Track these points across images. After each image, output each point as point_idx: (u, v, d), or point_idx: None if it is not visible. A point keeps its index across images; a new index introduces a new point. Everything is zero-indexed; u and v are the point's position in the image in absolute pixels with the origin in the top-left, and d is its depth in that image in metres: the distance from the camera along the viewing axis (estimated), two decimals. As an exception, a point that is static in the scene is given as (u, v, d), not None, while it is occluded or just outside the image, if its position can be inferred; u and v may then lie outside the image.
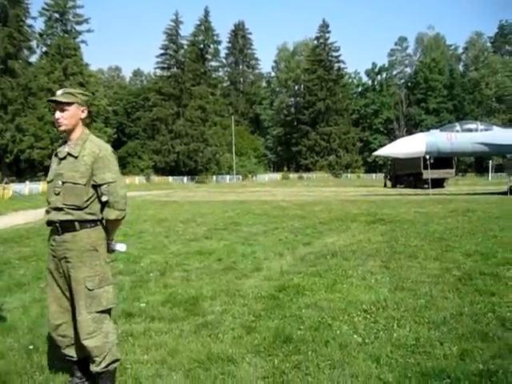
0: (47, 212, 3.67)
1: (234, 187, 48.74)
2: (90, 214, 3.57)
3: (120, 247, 3.84)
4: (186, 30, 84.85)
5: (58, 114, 3.61)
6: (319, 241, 10.59)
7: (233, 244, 10.34)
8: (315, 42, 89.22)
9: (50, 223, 3.65)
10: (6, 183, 31.88)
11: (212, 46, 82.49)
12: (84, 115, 3.68)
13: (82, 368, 3.79)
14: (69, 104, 3.60)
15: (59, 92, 3.66)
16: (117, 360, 3.66)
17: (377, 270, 7.51)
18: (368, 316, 5.20)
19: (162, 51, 74.31)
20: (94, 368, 3.59)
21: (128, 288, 6.67)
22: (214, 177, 69.42)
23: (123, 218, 3.66)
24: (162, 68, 75.20)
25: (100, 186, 3.54)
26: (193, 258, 8.80)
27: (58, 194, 3.57)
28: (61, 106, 3.60)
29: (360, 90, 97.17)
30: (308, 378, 3.82)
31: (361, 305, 5.57)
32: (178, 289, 6.52)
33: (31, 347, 4.52)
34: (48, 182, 3.72)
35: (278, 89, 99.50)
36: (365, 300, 5.77)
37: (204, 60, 78.71)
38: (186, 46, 74.88)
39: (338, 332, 4.74)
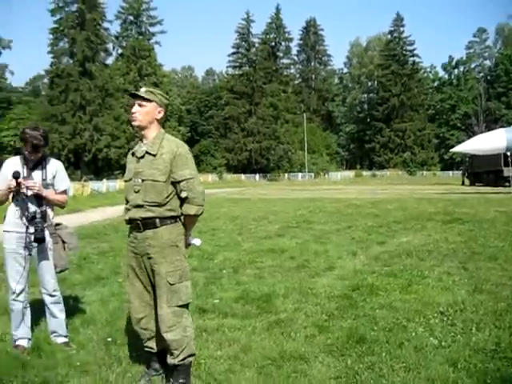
0: (127, 210, 3.79)
1: (306, 185, 48.58)
2: (170, 210, 3.67)
3: (196, 241, 3.94)
4: (258, 29, 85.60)
5: (135, 109, 3.74)
6: (393, 240, 10.38)
7: (305, 242, 10.30)
8: (389, 36, 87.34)
9: (130, 221, 3.77)
10: (85, 181, 33.15)
11: (283, 43, 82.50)
12: (160, 116, 3.77)
13: (159, 360, 3.90)
14: (148, 101, 3.72)
15: (142, 89, 3.80)
16: (193, 354, 3.75)
17: (454, 271, 7.29)
18: (445, 318, 5.06)
19: (234, 50, 75.04)
20: (171, 360, 3.69)
21: (202, 284, 6.79)
22: (286, 174, 69.38)
23: (202, 213, 3.75)
24: (234, 67, 75.90)
25: (179, 182, 3.63)
26: (265, 256, 8.84)
27: (137, 192, 3.67)
28: (140, 101, 3.72)
29: (436, 84, 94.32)
30: (382, 379, 3.76)
31: (437, 306, 5.43)
32: (250, 286, 6.58)
33: (109, 339, 4.67)
34: (126, 181, 3.83)
35: (350, 85, 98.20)
36: (441, 302, 5.61)
37: (275, 58, 78.85)
38: (257, 45, 75.24)
39: (414, 334, 4.64)
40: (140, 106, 3.72)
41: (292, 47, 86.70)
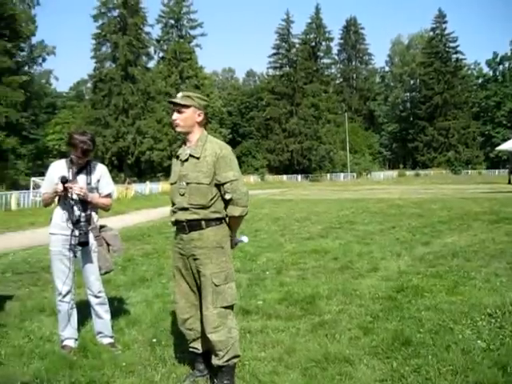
0: (173, 212, 3.83)
1: (348, 185, 48.19)
2: (215, 212, 3.69)
3: (244, 238, 4.00)
4: (298, 29, 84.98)
5: (175, 116, 3.78)
6: (438, 240, 10.20)
7: (348, 243, 10.22)
8: (431, 33, 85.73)
9: (176, 223, 3.82)
10: (129, 183, 33.59)
11: (324, 43, 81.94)
12: (200, 119, 3.78)
13: (204, 361, 3.91)
14: (186, 106, 3.74)
15: (179, 95, 3.82)
16: (237, 356, 3.75)
17: (502, 272, 7.10)
18: (493, 320, 4.93)
19: (274, 51, 74.90)
20: (215, 361, 3.70)
21: (245, 285, 6.80)
22: (328, 175, 68.88)
23: (246, 214, 3.76)
24: (275, 67, 75.80)
25: (223, 184, 3.64)
26: (308, 257, 8.80)
27: (183, 195, 3.72)
28: (178, 107, 3.75)
29: (480, 81, 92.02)
30: (428, 382, 3.69)
31: (485, 308, 5.29)
32: (294, 287, 6.55)
33: (154, 340, 4.71)
34: (171, 184, 3.88)
35: (392, 84, 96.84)
36: (489, 303, 5.46)
37: (316, 58, 78.43)
38: (297, 45, 74.96)
39: (460, 336, 4.53)
40: (179, 112, 3.75)
41: (332, 47, 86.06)
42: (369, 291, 6.24)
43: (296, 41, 75.29)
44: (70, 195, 4.43)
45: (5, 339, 4.86)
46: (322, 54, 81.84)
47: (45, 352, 4.49)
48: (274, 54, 75.17)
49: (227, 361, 3.67)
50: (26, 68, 48.71)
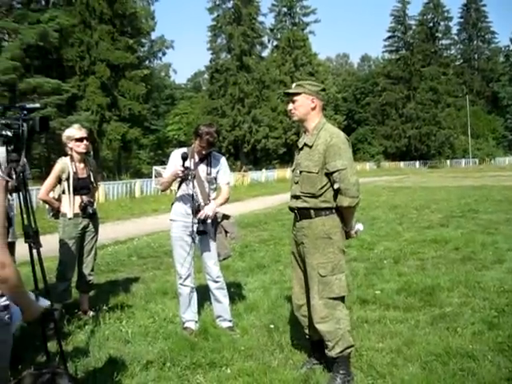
0: (290, 199, 3.90)
1: (469, 172, 45.98)
2: (325, 201, 3.66)
3: (359, 226, 3.94)
4: (414, 10, 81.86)
5: (289, 106, 3.82)
6: None
7: (471, 232, 9.77)
8: None
9: (291, 210, 3.87)
10: (245, 171, 34.26)
11: (442, 23, 78.25)
12: (314, 105, 3.76)
13: (320, 350, 3.91)
14: (297, 94, 3.76)
15: (293, 85, 3.87)
16: (350, 346, 3.70)
17: None
18: None
19: (390, 34, 72.75)
20: (328, 353, 3.69)
21: (362, 274, 6.72)
22: (448, 161, 66.09)
23: (356, 204, 3.68)
24: (390, 51, 73.69)
25: (332, 173, 3.61)
26: (428, 247, 8.52)
27: (297, 183, 3.77)
28: (291, 97, 3.79)
29: None
30: None
31: None
32: (412, 277, 6.37)
33: (272, 326, 4.78)
34: (292, 171, 3.96)
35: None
36: None
37: (434, 39, 75.19)
38: (414, 26, 72.32)
39: None
40: (293, 101, 3.79)
41: (452, 26, 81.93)
42: (493, 284, 5.92)
43: (412, 22, 72.65)
44: (189, 178, 4.59)
45: (131, 319, 5.16)
46: (440, 35, 78.25)
47: (168, 333, 4.71)
48: (390, 37, 73.07)
49: (340, 352, 3.63)
50: (147, 62, 50.89)
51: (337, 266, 3.66)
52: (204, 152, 4.69)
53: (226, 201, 4.92)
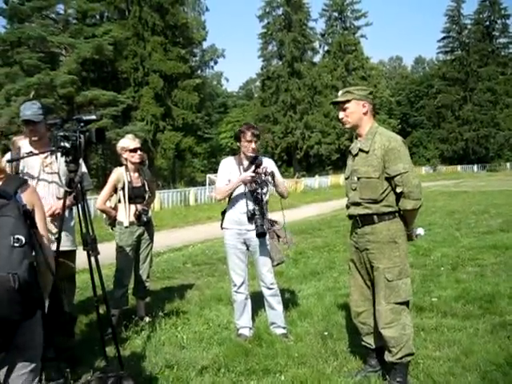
0: (347, 207, 3.89)
1: (531, 174, 44.38)
2: (387, 206, 3.64)
3: (420, 231, 3.88)
4: (469, 9, 79.61)
5: (340, 114, 3.82)
6: None
7: (533, 238, 9.42)
8: None
9: (350, 217, 3.87)
10: (298, 178, 34.17)
11: (499, 21, 75.98)
12: (365, 109, 3.74)
13: (377, 357, 3.86)
14: (347, 102, 3.74)
15: (339, 93, 3.86)
16: (411, 354, 3.65)
17: None
18: None
19: (444, 34, 71.24)
20: (388, 358, 3.64)
21: (419, 281, 6.59)
22: (508, 164, 64.02)
23: (420, 207, 3.64)
24: (445, 52, 72.08)
25: (393, 177, 3.57)
26: (487, 253, 8.27)
27: (355, 190, 3.75)
28: (341, 105, 3.78)
29: None
30: None
31: None
32: (471, 284, 6.21)
33: (326, 333, 4.75)
34: (346, 179, 3.95)
35: None
36: None
37: (491, 38, 73.12)
38: (469, 26, 70.60)
39: None
40: (343, 109, 3.78)
41: (509, 24, 79.49)
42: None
43: (468, 21, 70.89)
44: (258, 180, 4.63)
45: (186, 325, 5.23)
46: (497, 34, 75.95)
47: (222, 339, 4.76)
48: (444, 38, 71.52)
49: (401, 358, 3.59)
50: (199, 72, 51.68)
51: (403, 270, 3.64)
52: (252, 149, 4.70)
53: (285, 190, 4.98)
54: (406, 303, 3.68)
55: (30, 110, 3.95)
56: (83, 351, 4.47)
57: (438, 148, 66.09)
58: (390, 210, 3.64)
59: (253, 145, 4.70)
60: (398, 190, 3.57)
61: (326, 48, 64.26)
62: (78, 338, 4.69)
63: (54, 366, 3.96)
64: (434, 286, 6.31)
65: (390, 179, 3.59)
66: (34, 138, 4.09)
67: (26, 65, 28.26)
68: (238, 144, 4.78)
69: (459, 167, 60.83)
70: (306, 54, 57.49)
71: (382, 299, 3.63)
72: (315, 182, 33.63)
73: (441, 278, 6.72)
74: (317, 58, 62.45)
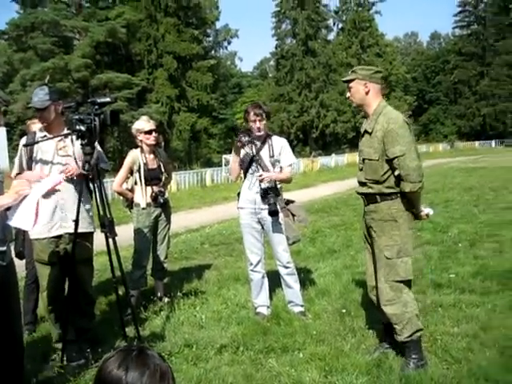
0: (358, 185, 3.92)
1: (551, 149, 43.77)
2: (389, 187, 3.66)
3: (429, 211, 3.85)
4: (487, -18, 77.77)
5: (347, 93, 3.86)
6: None
7: (553, 214, 9.32)
8: None
9: (359, 195, 3.91)
10: (314, 157, 34.00)
11: (517, -7, 74.75)
12: (367, 89, 3.74)
13: (391, 334, 3.87)
14: (350, 81, 3.79)
15: (349, 72, 3.86)
16: (419, 330, 3.66)
17: None
18: None
19: (460, 9, 70.10)
20: (398, 338, 3.68)
21: (436, 258, 6.57)
22: (527, 138, 63.27)
23: (419, 189, 3.59)
24: (461, 27, 70.89)
25: (391, 160, 3.57)
26: (506, 229, 8.19)
27: (361, 170, 3.80)
28: (347, 84, 3.83)
29: None
30: None
31: None
32: (489, 261, 6.18)
33: (343, 311, 4.78)
34: (358, 157, 3.94)
35: None
36: None
37: (508, 11, 71.74)
38: (485, -1, 69.36)
39: None
40: (349, 88, 3.82)
41: (528, -4, 78.11)
42: None
43: (484, -6, 69.60)
44: (246, 144, 4.70)
45: (205, 305, 5.28)
46: (516, 6, 74.68)
47: (241, 318, 4.79)
48: (460, 12, 70.28)
49: (409, 336, 3.61)
50: (213, 52, 51.36)
51: (402, 249, 3.64)
52: (257, 128, 4.70)
53: (287, 180, 4.95)
54: (407, 282, 3.68)
55: (37, 96, 3.93)
56: (103, 332, 4.53)
57: (455, 124, 65.39)
58: (392, 190, 3.65)
59: (257, 124, 4.69)
60: (396, 172, 3.57)
61: (340, 25, 63.40)
62: (97, 319, 4.75)
63: (75, 348, 4.04)
64: (451, 263, 6.28)
65: (389, 161, 3.59)
66: (43, 124, 4.10)
67: (41, 50, 28.39)
68: (245, 124, 4.80)
69: (477, 143, 60.10)
70: (320, 32, 56.78)
71: (382, 276, 3.67)
72: (331, 160, 33.44)
73: (458, 255, 6.68)
74: (331, 36, 61.68)
